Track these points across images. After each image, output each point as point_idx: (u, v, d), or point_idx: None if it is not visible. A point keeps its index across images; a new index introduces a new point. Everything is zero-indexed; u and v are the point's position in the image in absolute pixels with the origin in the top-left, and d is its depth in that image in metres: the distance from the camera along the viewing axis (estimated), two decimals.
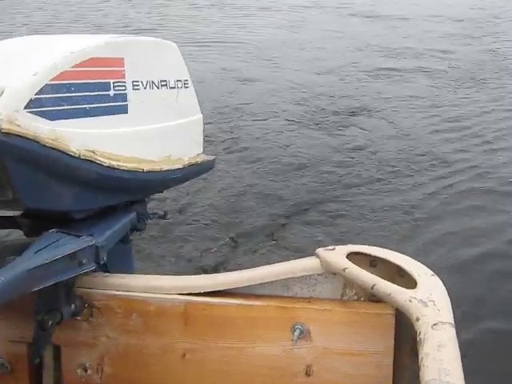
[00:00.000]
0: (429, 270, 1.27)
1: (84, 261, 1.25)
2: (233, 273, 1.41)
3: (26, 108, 1.17)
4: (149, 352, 1.39)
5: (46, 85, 1.21)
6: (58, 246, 1.22)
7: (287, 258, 1.44)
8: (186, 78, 1.58)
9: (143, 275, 1.47)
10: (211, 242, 3.52)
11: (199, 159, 1.63)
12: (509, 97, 6.47)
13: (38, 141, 1.18)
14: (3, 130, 1.13)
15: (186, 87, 1.58)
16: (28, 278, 1.13)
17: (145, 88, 1.44)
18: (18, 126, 1.16)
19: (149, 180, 1.45)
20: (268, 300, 1.35)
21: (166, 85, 1.51)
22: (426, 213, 4.06)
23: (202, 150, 1.66)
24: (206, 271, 2.69)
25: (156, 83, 1.47)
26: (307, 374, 1.32)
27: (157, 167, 1.46)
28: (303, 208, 4.13)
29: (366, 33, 10.17)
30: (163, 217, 1.68)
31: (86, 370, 1.42)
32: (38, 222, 1.40)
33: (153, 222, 1.63)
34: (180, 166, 1.54)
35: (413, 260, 1.31)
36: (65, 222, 1.37)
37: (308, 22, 11.10)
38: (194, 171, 1.62)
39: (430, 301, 1.14)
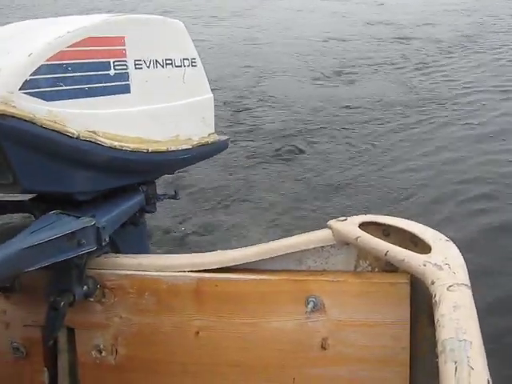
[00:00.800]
0: (443, 236, 1.24)
1: (83, 241, 1.24)
2: (244, 248, 1.39)
3: (21, 89, 1.16)
4: (162, 331, 1.39)
5: (41, 65, 1.19)
6: (56, 227, 1.21)
7: (299, 231, 1.40)
8: (193, 57, 1.54)
9: (154, 255, 1.47)
10: (223, 216, 3.65)
11: (210, 139, 1.59)
12: (487, 57, 7.81)
13: (34, 122, 1.17)
14: None
15: (193, 66, 1.54)
16: (22, 257, 1.13)
17: (148, 67, 1.41)
18: (13, 107, 1.15)
19: (154, 161, 1.42)
20: (281, 274, 1.33)
21: (172, 63, 1.47)
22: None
23: (213, 130, 1.62)
24: (217, 248, 2.71)
25: (160, 62, 1.44)
26: (323, 347, 1.31)
27: (163, 147, 1.43)
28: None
29: (370, 11, 11.55)
30: (174, 197, 1.65)
31: (100, 352, 1.42)
32: (48, 206, 1.41)
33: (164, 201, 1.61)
34: (189, 147, 1.51)
35: (426, 227, 1.27)
36: (71, 204, 1.36)
37: (317, 7, 12.32)
38: (204, 151, 1.59)
39: (444, 264, 1.12)
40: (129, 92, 1.36)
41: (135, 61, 1.38)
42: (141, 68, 1.39)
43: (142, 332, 1.40)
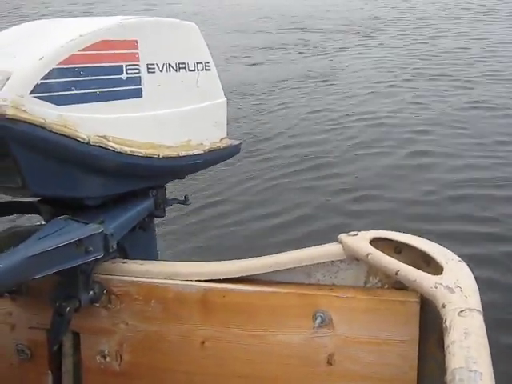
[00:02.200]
0: (455, 256, 1.21)
1: (91, 248, 1.22)
2: (253, 259, 1.37)
3: (32, 93, 1.15)
4: (168, 339, 1.37)
5: (52, 69, 1.18)
6: (63, 233, 1.20)
7: (310, 239, 1.39)
8: (207, 60, 1.52)
9: (162, 261, 1.45)
10: (233, 225, 3.69)
11: (222, 144, 1.57)
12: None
13: (44, 126, 1.16)
14: (8, 116, 1.11)
15: (207, 69, 1.52)
16: (29, 264, 1.12)
17: (161, 71, 1.39)
18: (23, 111, 1.13)
19: (165, 166, 1.40)
20: (289, 287, 1.32)
21: (185, 67, 1.45)
22: None
23: (225, 134, 1.60)
24: (225, 257, 2.72)
25: (174, 66, 1.42)
26: (329, 362, 1.28)
27: (174, 153, 1.41)
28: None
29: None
30: (183, 202, 1.63)
31: (104, 357, 1.41)
32: (57, 208, 1.40)
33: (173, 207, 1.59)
34: (200, 152, 1.49)
35: (439, 246, 1.24)
36: (80, 207, 1.35)
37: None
38: (216, 156, 1.57)
39: (456, 287, 1.09)
40: (141, 96, 1.34)
41: (148, 65, 1.35)
42: (154, 72, 1.37)
43: (148, 339, 1.38)
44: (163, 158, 1.38)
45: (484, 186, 4.13)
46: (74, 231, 1.22)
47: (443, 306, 1.04)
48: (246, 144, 5.08)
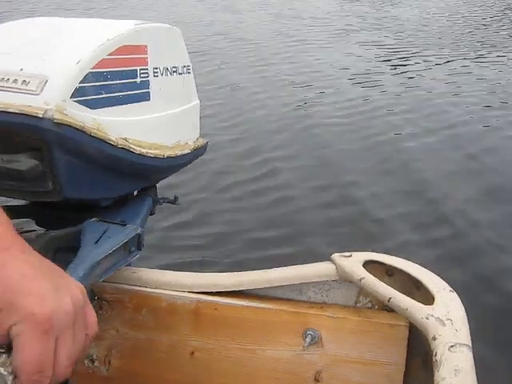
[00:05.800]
0: (447, 286, 1.23)
1: (132, 249, 1.26)
2: (246, 273, 1.38)
3: (72, 97, 1.16)
4: (157, 347, 1.38)
5: (88, 73, 1.19)
6: (112, 236, 1.22)
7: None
8: (189, 64, 1.59)
9: (155, 270, 1.43)
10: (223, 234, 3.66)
11: (199, 143, 1.66)
12: None
13: (84, 130, 1.17)
14: (55, 120, 1.11)
15: (188, 73, 1.59)
16: (97, 269, 1.14)
17: (162, 74, 1.44)
18: (66, 115, 1.14)
19: (167, 166, 1.46)
20: (280, 303, 1.33)
21: (176, 71, 1.51)
22: None
23: (199, 134, 1.69)
24: (216, 265, 2.69)
25: (169, 69, 1.48)
26: (316, 380, 1.30)
27: (172, 153, 1.48)
28: None
29: None
30: (173, 202, 1.68)
31: (93, 362, 1.41)
32: (49, 212, 1.39)
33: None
34: (188, 151, 1.56)
35: (431, 273, 1.27)
36: (89, 209, 1.36)
37: None
38: (196, 155, 1.64)
39: (447, 319, 1.11)
40: (149, 99, 1.39)
41: (154, 68, 1.40)
42: (157, 76, 1.42)
43: (137, 347, 1.39)
44: (167, 157, 1.44)
45: None
46: (118, 233, 1.24)
47: (434, 339, 1.08)
48: None
